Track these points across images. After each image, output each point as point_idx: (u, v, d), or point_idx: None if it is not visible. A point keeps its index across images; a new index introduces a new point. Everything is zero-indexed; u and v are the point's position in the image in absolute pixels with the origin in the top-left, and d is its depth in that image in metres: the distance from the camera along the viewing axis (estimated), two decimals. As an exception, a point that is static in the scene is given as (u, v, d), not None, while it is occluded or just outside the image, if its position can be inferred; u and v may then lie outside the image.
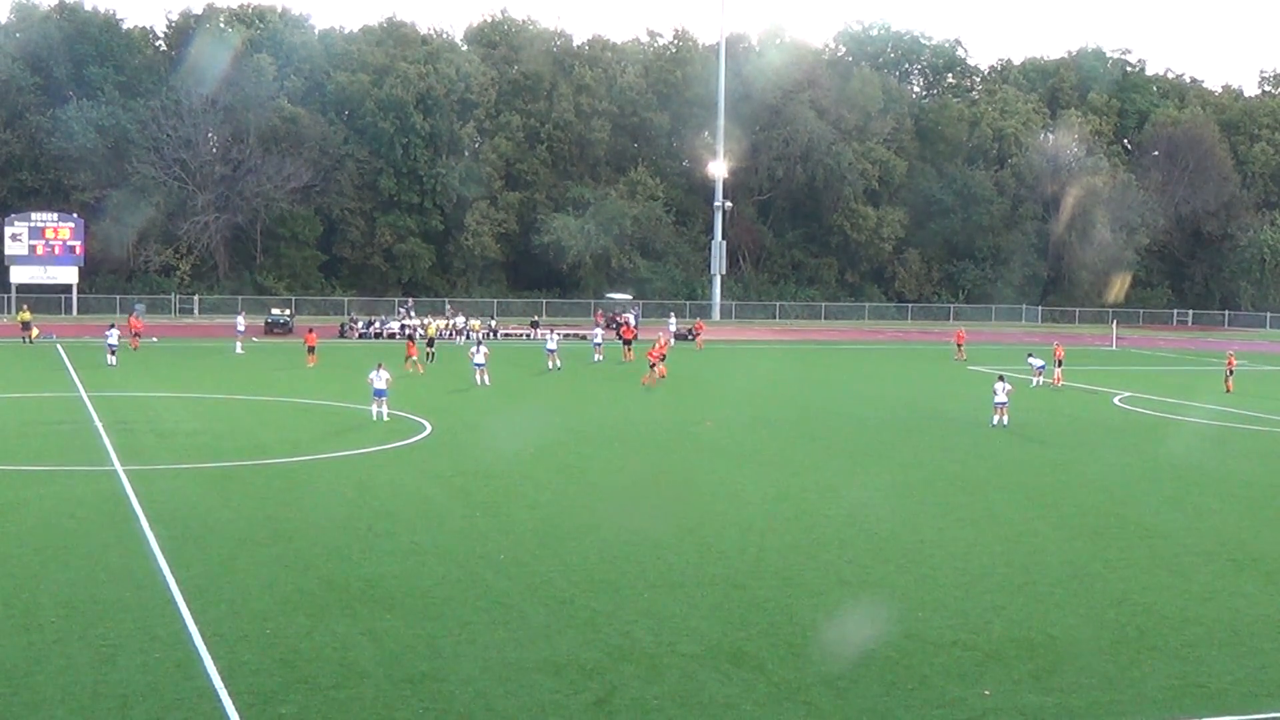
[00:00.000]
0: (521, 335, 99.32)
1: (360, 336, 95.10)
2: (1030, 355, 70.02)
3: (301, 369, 68.80)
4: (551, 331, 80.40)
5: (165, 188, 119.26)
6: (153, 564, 25.86)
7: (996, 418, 50.70)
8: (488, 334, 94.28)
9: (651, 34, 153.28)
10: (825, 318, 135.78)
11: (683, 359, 76.41)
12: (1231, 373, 68.76)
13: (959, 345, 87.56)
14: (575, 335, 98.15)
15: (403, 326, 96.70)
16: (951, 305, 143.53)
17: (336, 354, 76.98)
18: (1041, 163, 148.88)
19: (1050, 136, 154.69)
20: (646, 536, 29.29)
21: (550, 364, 71.49)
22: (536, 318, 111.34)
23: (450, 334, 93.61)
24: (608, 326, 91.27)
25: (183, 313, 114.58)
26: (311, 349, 71.74)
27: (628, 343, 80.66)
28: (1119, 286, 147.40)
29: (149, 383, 60.04)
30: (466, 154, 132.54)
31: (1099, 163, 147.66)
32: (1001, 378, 52.76)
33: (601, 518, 31.45)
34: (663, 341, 71.83)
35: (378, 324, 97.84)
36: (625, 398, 60.09)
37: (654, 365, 63.23)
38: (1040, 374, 67.86)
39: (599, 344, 79.94)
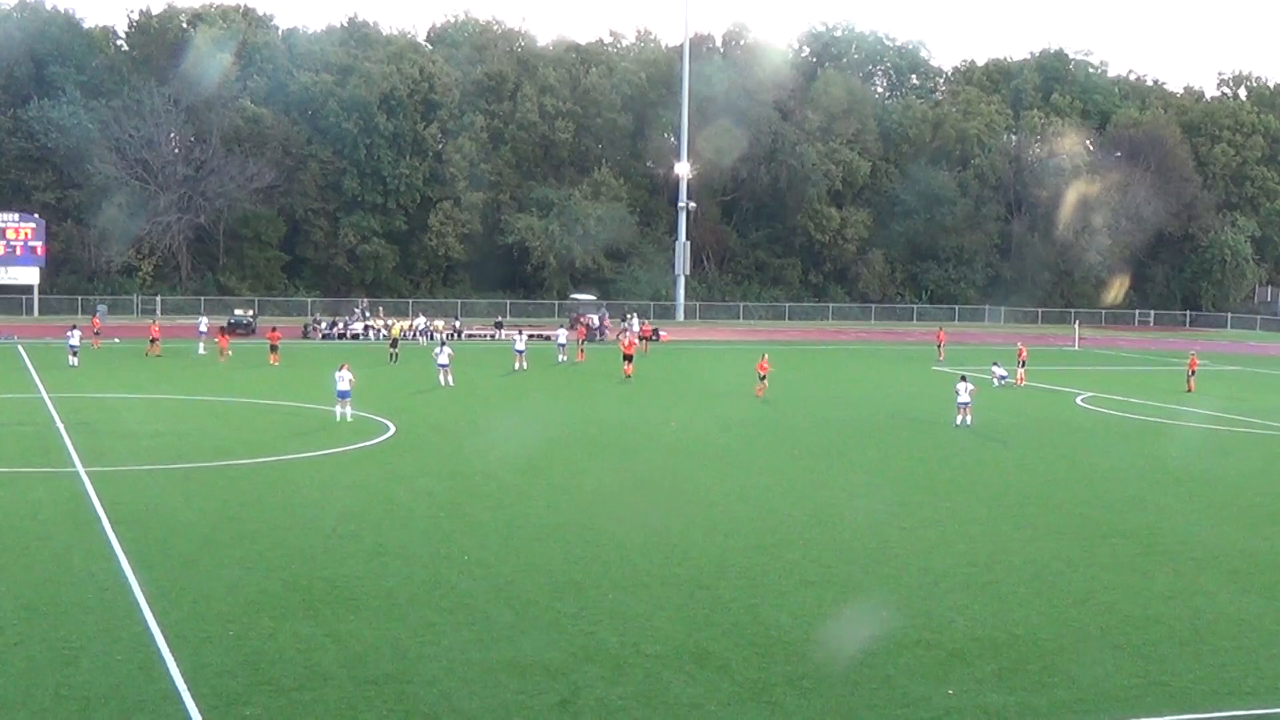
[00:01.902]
0: (485, 336, 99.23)
1: (324, 337, 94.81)
2: (995, 364, 70.03)
3: (265, 368, 68.65)
4: (520, 332, 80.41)
5: (127, 188, 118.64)
6: (115, 566, 25.74)
7: (960, 418, 50.93)
8: (451, 335, 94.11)
9: (615, 35, 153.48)
10: (789, 318, 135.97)
11: (644, 361, 76.38)
12: (1193, 373, 69.17)
13: (939, 346, 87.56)
14: (539, 336, 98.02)
15: (367, 328, 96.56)
16: (915, 306, 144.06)
17: (300, 355, 76.75)
18: (1004, 164, 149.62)
19: (1013, 138, 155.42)
20: (611, 537, 29.31)
21: (517, 365, 71.55)
22: (500, 318, 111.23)
23: (414, 335, 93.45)
24: (571, 326, 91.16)
25: (145, 313, 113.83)
26: (274, 347, 72.07)
27: (582, 342, 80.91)
28: (1086, 286, 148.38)
29: (111, 384, 59.71)
30: (430, 154, 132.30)
31: (1061, 164, 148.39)
32: (963, 378, 53.07)
33: (566, 518, 31.45)
34: (628, 342, 71.93)
35: (341, 325, 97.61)
36: (589, 398, 60.10)
37: (763, 377, 60.52)
38: (1003, 381, 67.85)
39: (563, 345, 79.93)
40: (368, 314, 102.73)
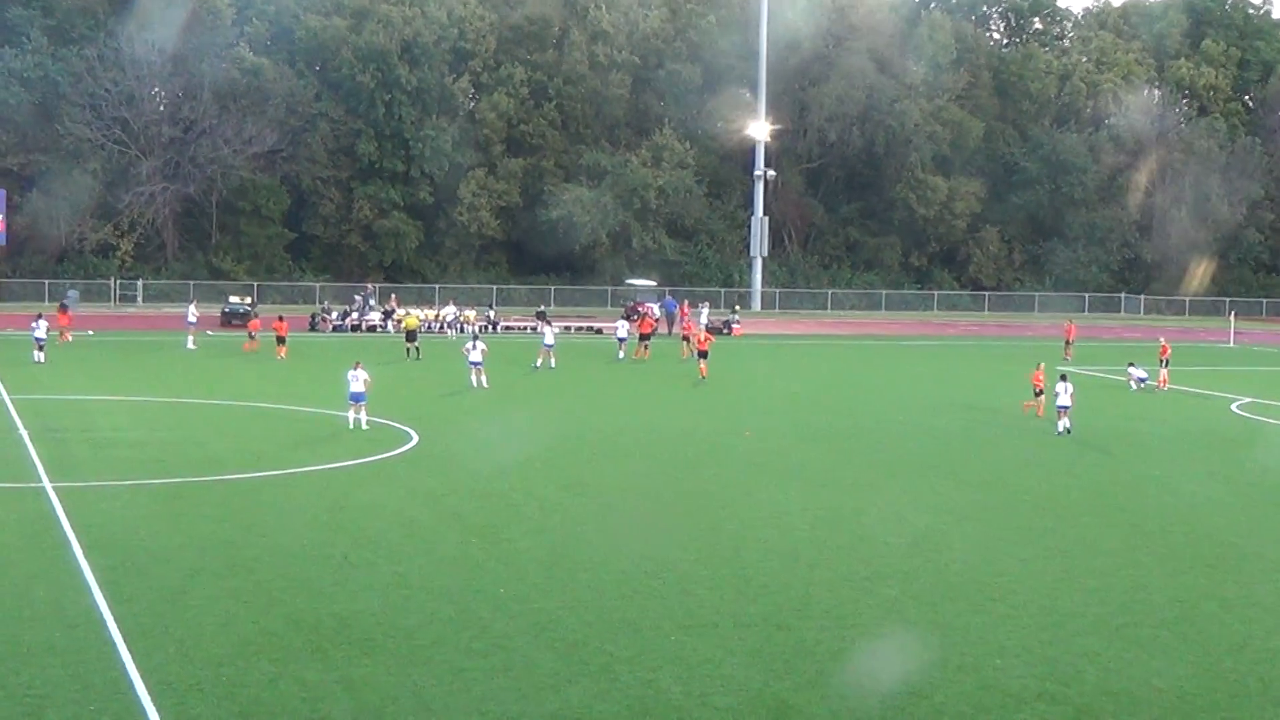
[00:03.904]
0: (525, 329, 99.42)
1: (335, 329, 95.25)
2: (1132, 364, 69.39)
3: (266, 364, 69.08)
4: (550, 324, 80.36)
5: (103, 152, 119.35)
6: (88, 599, 25.87)
7: (1062, 424, 50.74)
8: (485, 327, 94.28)
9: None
10: (886, 308, 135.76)
11: (714, 359, 76.17)
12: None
13: (1068, 343, 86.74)
14: (589, 329, 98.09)
15: (387, 317, 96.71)
16: (1036, 294, 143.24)
17: (307, 350, 77.09)
18: (1146, 124, 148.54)
19: (1156, 93, 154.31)
20: (673, 568, 29.27)
21: (539, 361, 71.55)
22: (543, 307, 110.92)
23: (439, 326, 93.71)
24: (628, 317, 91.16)
25: (124, 301, 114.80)
26: (281, 339, 73.14)
27: (644, 338, 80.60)
28: (1244, 271, 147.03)
29: (84, 383, 60.16)
30: (460, 113, 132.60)
31: (1215, 124, 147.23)
32: (1064, 377, 52.70)
33: (620, 545, 31.41)
34: (703, 336, 71.88)
35: (355, 315, 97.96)
36: (649, 403, 60.08)
37: (1038, 393, 57.07)
38: (1141, 384, 67.36)
39: (623, 339, 79.95)
40: (372, 301, 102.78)
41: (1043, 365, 59.24)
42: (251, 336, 75.91)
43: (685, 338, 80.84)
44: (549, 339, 73.79)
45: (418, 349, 75.48)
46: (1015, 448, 48.78)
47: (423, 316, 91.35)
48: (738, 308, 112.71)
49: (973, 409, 59.68)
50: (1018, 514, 36.57)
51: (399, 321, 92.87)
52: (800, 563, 30.21)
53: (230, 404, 55.22)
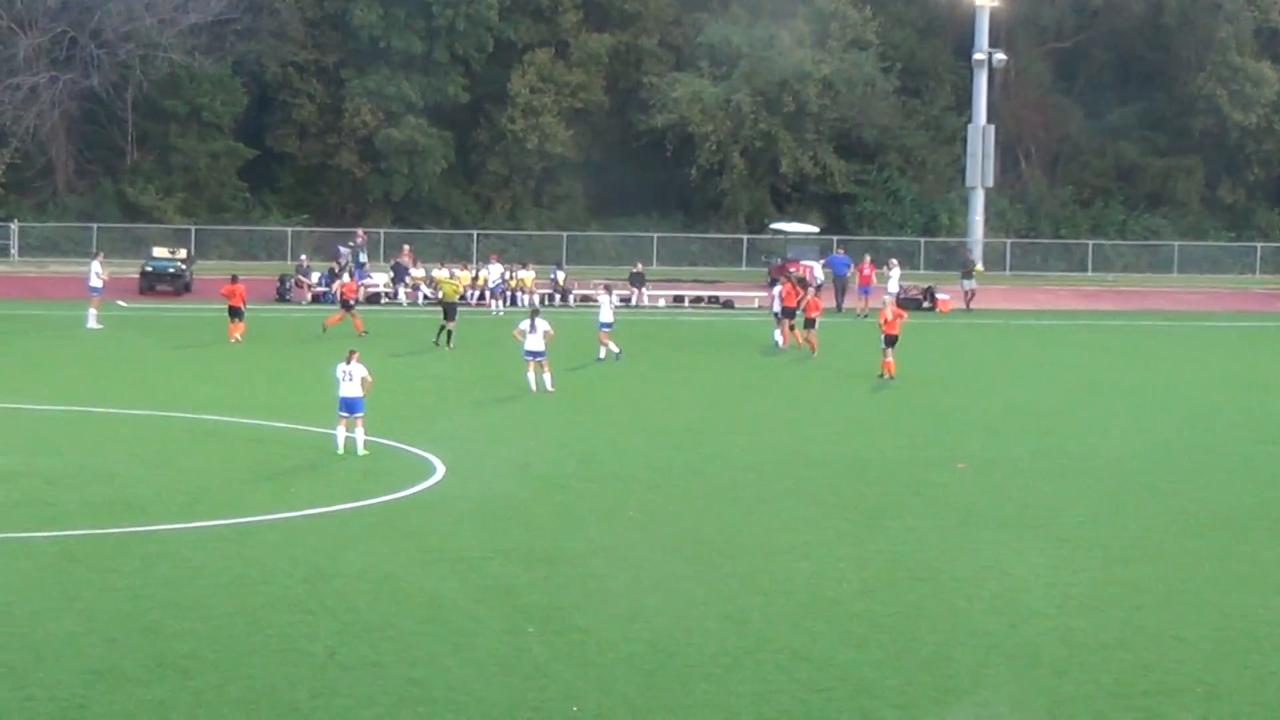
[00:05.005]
0: (612, 298, 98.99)
1: (316, 299, 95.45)
2: None
3: (221, 346, 69.55)
4: (608, 291, 79.65)
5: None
6: (-65, 715, 26.19)
7: None
8: (549, 297, 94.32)
9: None
10: (1180, 269, 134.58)
11: (917, 342, 76.01)
12: None
13: None
14: (711, 300, 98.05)
15: (397, 282, 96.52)
16: None
17: (273, 331, 77.45)
18: None
19: None
20: (847, 675, 29.17)
21: (602, 351, 72.32)
22: (640, 266, 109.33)
23: (476, 295, 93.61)
24: (774, 281, 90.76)
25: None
26: (237, 313, 74.06)
27: (788, 313, 79.40)
28: None
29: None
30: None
31: None
32: None
33: (762, 640, 31.25)
34: (891, 315, 71.73)
35: (346, 275, 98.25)
36: (797, 413, 60.00)
37: None
38: None
39: (778, 314, 79.34)
40: (363, 256, 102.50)
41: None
42: (347, 306, 75.54)
43: (809, 320, 78.44)
44: (606, 315, 73.11)
45: (451, 332, 75.71)
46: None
47: (469, 282, 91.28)
48: (977, 269, 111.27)
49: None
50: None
51: (415, 287, 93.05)
52: (1045, 670, 30.02)
53: (155, 415, 55.53)
